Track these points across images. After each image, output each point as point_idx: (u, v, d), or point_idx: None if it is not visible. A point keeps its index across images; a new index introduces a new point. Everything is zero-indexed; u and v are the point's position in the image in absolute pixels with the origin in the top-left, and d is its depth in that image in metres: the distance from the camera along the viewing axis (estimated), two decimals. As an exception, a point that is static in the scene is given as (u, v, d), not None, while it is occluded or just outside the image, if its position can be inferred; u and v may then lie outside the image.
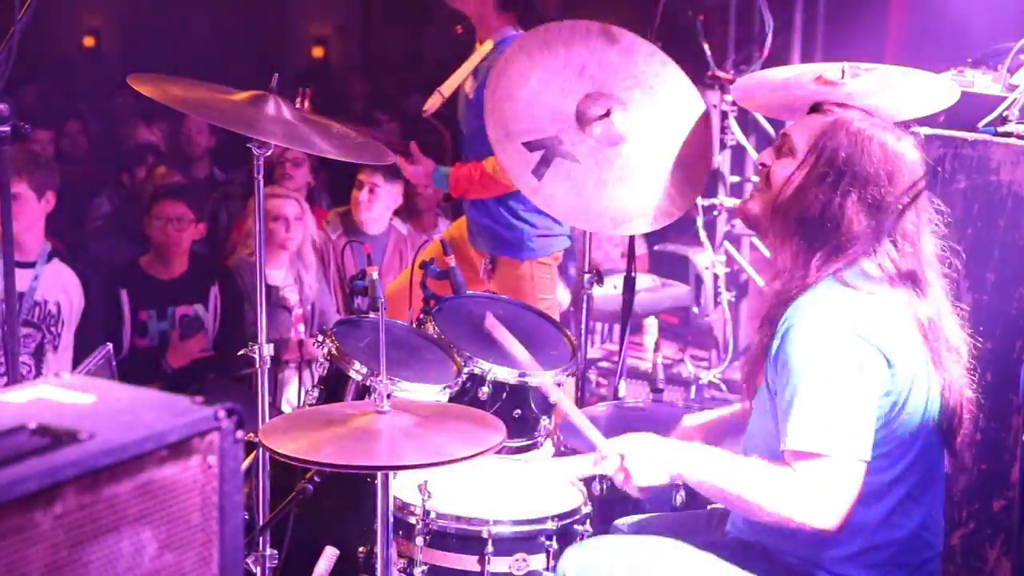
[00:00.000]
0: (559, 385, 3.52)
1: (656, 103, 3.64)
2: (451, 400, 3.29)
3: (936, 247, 2.56)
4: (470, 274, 4.44)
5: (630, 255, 4.25)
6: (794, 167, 2.55)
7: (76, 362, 4.42)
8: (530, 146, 3.41)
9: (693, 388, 6.09)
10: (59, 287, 4.52)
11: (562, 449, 3.26)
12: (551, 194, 3.43)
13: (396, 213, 5.87)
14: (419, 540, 2.83)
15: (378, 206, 5.65)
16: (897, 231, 2.49)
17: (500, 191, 4.22)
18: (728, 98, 5.85)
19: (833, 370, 2.36)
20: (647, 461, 2.50)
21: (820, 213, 2.49)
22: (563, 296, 5.65)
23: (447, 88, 4.29)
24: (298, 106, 4.00)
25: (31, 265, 4.40)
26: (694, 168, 3.60)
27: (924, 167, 2.54)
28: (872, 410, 2.38)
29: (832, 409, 2.34)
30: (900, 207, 2.48)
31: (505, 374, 3.41)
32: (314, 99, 4.18)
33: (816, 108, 2.64)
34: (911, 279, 2.48)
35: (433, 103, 4.31)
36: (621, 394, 4.14)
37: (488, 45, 4.24)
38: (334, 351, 3.33)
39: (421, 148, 4.39)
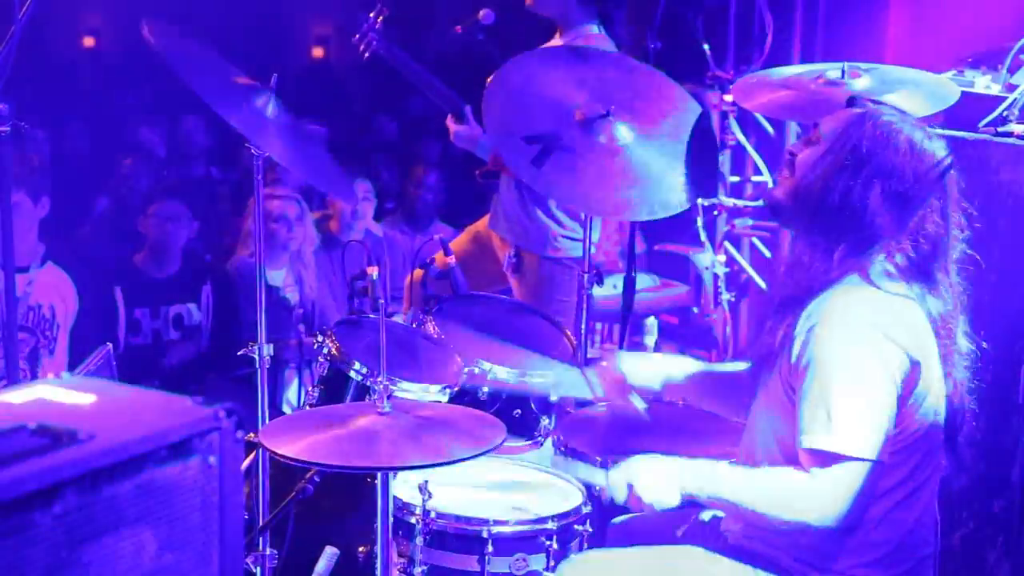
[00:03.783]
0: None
1: (656, 109, 3.64)
2: (451, 400, 3.29)
3: (959, 253, 2.54)
4: (494, 266, 4.44)
5: (630, 255, 4.24)
6: (819, 155, 2.54)
7: (71, 363, 4.42)
8: (529, 140, 3.42)
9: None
10: (53, 291, 4.52)
11: (562, 449, 3.26)
12: (551, 179, 3.44)
13: (392, 213, 5.88)
14: (419, 540, 2.83)
15: (368, 213, 5.67)
16: (919, 229, 2.46)
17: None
18: (728, 98, 5.85)
19: (859, 371, 2.36)
20: (656, 484, 2.50)
21: (840, 203, 2.47)
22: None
23: None
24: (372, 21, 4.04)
25: (25, 270, 4.40)
26: (696, 166, 3.59)
27: (953, 170, 2.51)
28: (892, 413, 2.38)
29: (854, 409, 2.34)
30: (924, 206, 2.46)
31: (505, 374, 3.41)
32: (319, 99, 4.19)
33: (851, 103, 2.63)
34: (924, 276, 2.47)
35: None
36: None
37: (566, 39, 4.20)
38: (334, 351, 3.33)
39: (478, 116, 4.34)
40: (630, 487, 2.53)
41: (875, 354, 2.36)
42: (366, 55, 4.02)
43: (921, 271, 2.47)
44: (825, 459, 2.35)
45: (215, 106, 2.99)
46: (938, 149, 2.49)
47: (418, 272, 3.83)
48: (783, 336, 2.49)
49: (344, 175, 3.61)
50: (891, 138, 2.46)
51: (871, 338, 2.37)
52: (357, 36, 4.03)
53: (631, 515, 2.89)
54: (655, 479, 2.51)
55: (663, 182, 3.46)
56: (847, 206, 2.46)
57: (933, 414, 2.47)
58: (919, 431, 2.45)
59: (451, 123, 4.32)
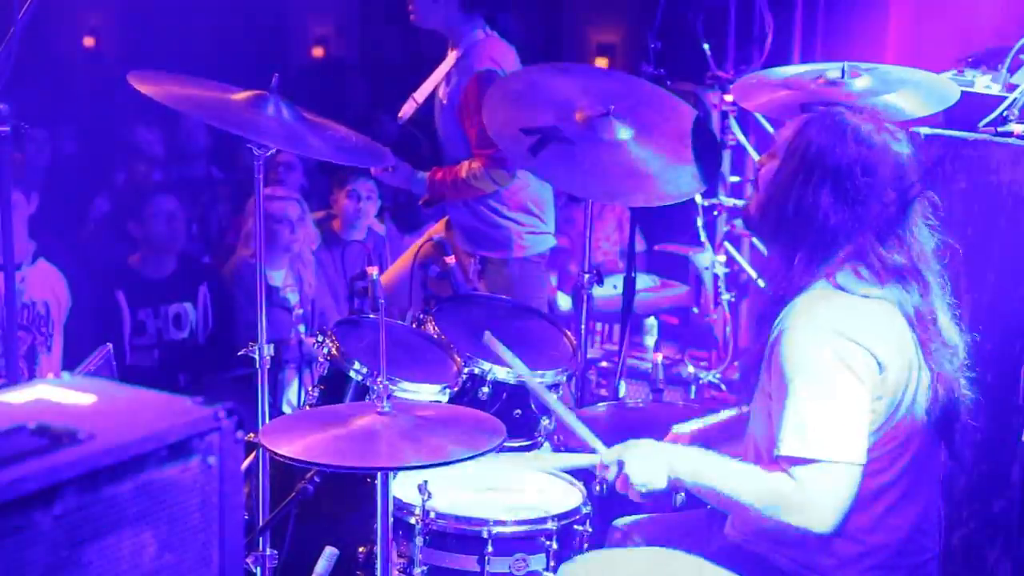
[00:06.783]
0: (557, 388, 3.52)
1: (657, 114, 3.65)
2: (451, 400, 3.29)
3: (932, 243, 2.53)
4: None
5: (630, 255, 4.24)
6: (776, 166, 2.55)
7: (67, 361, 4.41)
8: (527, 131, 3.42)
9: (693, 388, 6.08)
10: (46, 287, 4.52)
11: (561, 449, 3.26)
12: (548, 167, 3.46)
13: (387, 211, 5.88)
14: (419, 540, 2.83)
15: (371, 213, 5.67)
16: (881, 226, 2.45)
17: (474, 195, 4.22)
18: (728, 98, 5.85)
19: (824, 374, 2.36)
20: (646, 467, 2.50)
21: (795, 210, 2.47)
22: (564, 302, 5.64)
23: (420, 94, 4.31)
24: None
25: (16, 268, 4.39)
26: (697, 164, 3.59)
27: (915, 161, 2.49)
28: (865, 413, 2.37)
29: (824, 414, 2.34)
30: (882, 200, 2.45)
31: (505, 374, 3.41)
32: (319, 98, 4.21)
33: (803, 109, 2.64)
34: (899, 275, 2.46)
35: (407, 109, 4.33)
36: (621, 394, 4.14)
37: (458, 51, 4.24)
38: (334, 351, 3.33)
39: (400, 153, 4.37)
40: (620, 464, 2.53)
41: (838, 357, 2.36)
42: None
43: (892, 270, 2.45)
44: (801, 465, 2.35)
45: (220, 126, 3.01)
46: (892, 143, 2.46)
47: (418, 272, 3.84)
48: (760, 347, 2.50)
49: (371, 143, 3.52)
50: (838, 136, 2.45)
51: (832, 342, 2.37)
52: None
53: (636, 517, 2.89)
54: (645, 459, 2.51)
55: (662, 178, 3.47)
56: (801, 212, 2.46)
57: (918, 415, 2.46)
58: (903, 432, 2.44)
59: (377, 173, 4.33)
